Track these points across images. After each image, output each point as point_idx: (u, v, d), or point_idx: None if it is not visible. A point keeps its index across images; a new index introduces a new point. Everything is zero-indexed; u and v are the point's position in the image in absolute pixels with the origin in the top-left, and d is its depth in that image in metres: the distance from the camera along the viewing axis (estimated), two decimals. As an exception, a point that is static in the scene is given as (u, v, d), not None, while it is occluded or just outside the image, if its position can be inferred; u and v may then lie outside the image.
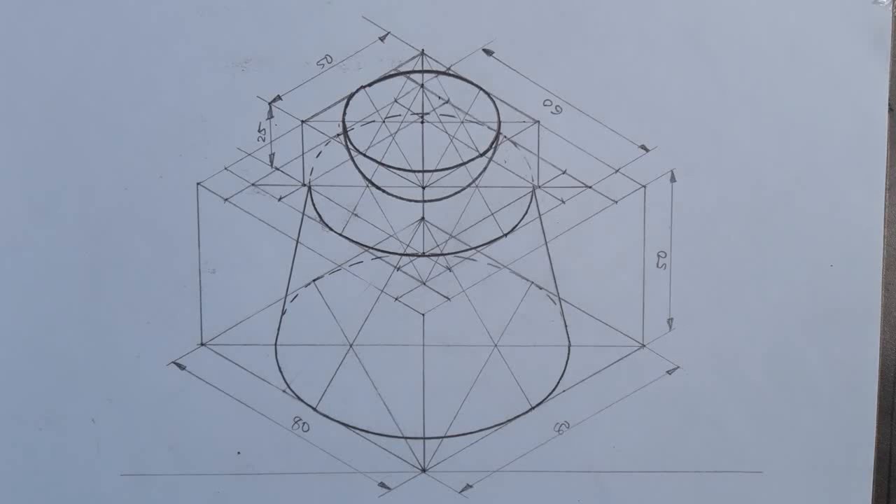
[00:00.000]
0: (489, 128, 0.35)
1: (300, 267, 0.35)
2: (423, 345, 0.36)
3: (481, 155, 0.35)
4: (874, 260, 0.36)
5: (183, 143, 0.35)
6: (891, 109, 0.36)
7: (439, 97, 0.35)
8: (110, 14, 0.35)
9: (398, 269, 0.36)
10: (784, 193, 0.36)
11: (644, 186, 0.35)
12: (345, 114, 0.35)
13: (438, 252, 0.36)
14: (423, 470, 0.36)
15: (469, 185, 0.35)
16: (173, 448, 0.36)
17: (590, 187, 0.35)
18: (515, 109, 0.35)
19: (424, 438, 0.36)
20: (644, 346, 0.36)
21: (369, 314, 0.36)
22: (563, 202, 0.35)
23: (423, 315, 0.36)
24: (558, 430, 0.36)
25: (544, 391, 0.36)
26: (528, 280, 0.36)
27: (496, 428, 0.36)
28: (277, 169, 0.35)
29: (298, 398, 0.36)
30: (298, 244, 0.35)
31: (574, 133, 0.35)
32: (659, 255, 0.36)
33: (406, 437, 0.36)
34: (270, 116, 0.35)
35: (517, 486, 0.36)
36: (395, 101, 0.35)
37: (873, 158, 0.36)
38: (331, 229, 0.36)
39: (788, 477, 0.36)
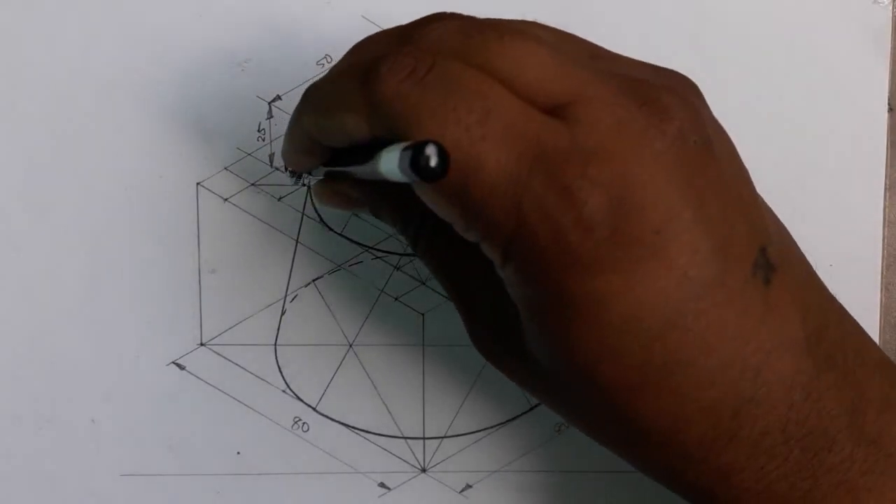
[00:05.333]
0: (489, 128, 0.35)
1: (300, 267, 0.35)
2: (423, 345, 0.36)
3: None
4: (874, 260, 0.36)
5: (183, 143, 0.35)
6: (891, 109, 0.36)
7: (439, 97, 0.35)
8: (110, 14, 0.35)
9: (398, 269, 0.36)
10: (784, 193, 0.36)
11: (644, 186, 0.35)
12: (345, 114, 0.35)
13: (438, 252, 0.36)
14: (423, 470, 0.36)
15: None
16: (173, 448, 0.36)
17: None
18: (515, 109, 0.35)
19: (424, 438, 0.36)
20: (644, 346, 0.36)
21: (369, 314, 0.36)
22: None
23: (423, 315, 0.36)
24: (558, 430, 0.36)
25: (544, 391, 0.36)
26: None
27: (496, 428, 0.36)
28: (277, 169, 0.35)
29: (298, 398, 0.36)
30: (298, 244, 0.35)
31: (574, 133, 0.35)
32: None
33: (406, 437, 0.36)
34: (270, 116, 0.35)
35: (517, 486, 0.36)
36: (395, 101, 0.35)
37: (873, 158, 0.36)
38: (331, 229, 0.35)
39: (788, 477, 0.36)
